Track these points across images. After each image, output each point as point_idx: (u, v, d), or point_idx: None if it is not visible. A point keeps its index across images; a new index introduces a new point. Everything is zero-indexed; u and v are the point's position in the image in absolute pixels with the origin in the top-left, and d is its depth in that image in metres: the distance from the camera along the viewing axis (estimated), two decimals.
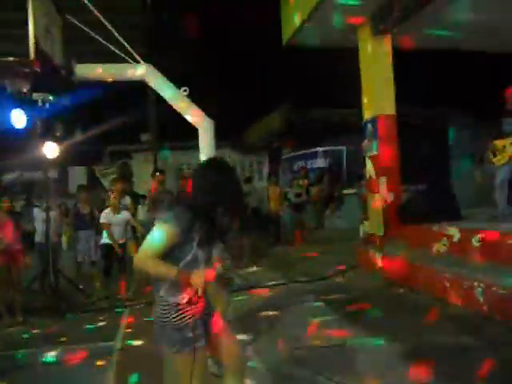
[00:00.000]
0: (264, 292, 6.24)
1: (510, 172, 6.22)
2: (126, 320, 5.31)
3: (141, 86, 9.58)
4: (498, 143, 6.11)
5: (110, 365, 3.95)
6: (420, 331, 4.21)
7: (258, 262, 8.39)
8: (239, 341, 2.46)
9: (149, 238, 2.16)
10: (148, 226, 8.31)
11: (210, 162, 2.41)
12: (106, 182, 16.34)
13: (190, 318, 2.18)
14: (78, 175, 16.45)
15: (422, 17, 6.58)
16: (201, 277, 2.12)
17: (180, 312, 2.18)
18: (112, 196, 6.60)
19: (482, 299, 4.50)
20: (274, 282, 6.70)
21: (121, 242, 6.40)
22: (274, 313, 5.21)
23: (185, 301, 2.18)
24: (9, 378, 3.82)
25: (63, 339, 4.71)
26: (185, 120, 7.28)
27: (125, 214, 6.57)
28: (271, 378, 3.47)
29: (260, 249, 9.51)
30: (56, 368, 4.01)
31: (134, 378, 3.56)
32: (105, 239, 6.39)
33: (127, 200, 7.48)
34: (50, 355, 4.25)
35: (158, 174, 8.20)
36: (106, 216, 6.36)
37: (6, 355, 4.40)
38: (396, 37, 7.26)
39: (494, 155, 6.17)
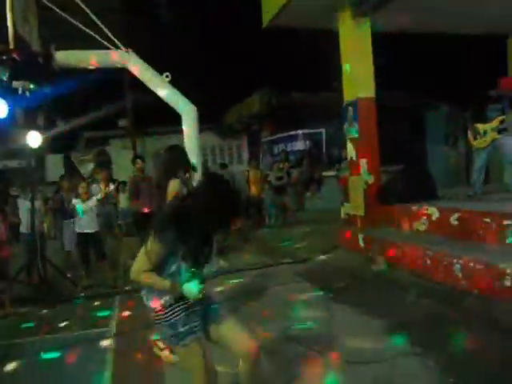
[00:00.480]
0: (251, 274, 6.39)
1: (488, 156, 6.51)
2: (117, 306, 5.39)
3: (118, 72, 9.50)
4: (480, 127, 6.34)
5: (106, 351, 4.03)
6: (402, 306, 4.44)
7: (243, 246, 8.53)
8: (247, 330, 2.52)
9: (140, 251, 2.26)
10: (129, 214, 8.39)
11: (209, 179, 2.38)
12: (83, 170, 16.15)
13: (182, 313, 2.27)
14: (54, 163, 16.17)
15: (397, 2, 6.70)
16: (192, 293, 2.19)
17: (172, 308, 2.27)
18: (80, 186, 6.55)
19: (460, 275, 4.75)
20: (260, 265, 6.85)
21: (90, 231, 6.43)
22: (262, 294, 5.37)
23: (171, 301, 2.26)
24: (7, 368, 3.87)
25: (56, 327, 4.76)
26: (163, 105, 7.27)
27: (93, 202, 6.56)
28: (266, 357, 3.62)
29: (243, 232, 9.64)
30: (52, 356, 4.06)
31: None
32: (77, 228, 6.44)
33: (111, 188, 7.48)
34: (46, 344, 4.31)
35: (138, 160, 8.21)
36: (72, 205, 6.43)
37: (1, 345, 4.44)
38: (375, 20, 7.37)
39: (475, 138, 6.42)
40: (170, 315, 2.27)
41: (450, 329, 3.79)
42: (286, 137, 14.67)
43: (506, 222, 4.97)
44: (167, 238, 2.18)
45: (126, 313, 5.10)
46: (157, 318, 2.32)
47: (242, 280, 6.13)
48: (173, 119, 8.32)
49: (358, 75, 7.38)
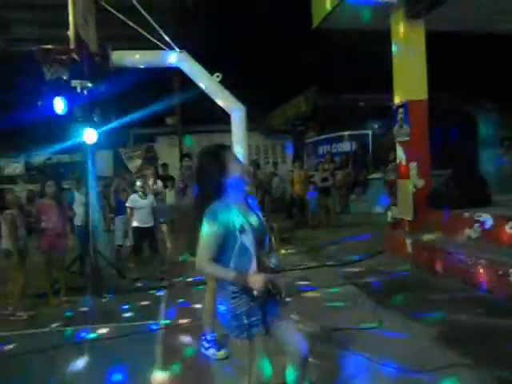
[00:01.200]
0: (296, 274, 6.37)
1: None
2: (165, 299, 5.53)
3: (168, 70, 9.70)
4: None
5: (153, 344, 4.13)
6: (452, 315, 4.31)
7: (285, 246, 8.52)
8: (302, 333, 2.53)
9: (200, 241, 2.27)
10: (175, 211, 8.59)
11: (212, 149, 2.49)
12: (131, 165, 16.59)
13: (245, 305, 2.27)
14: (104, 158, 16.71)
15: (453, 1, 6.50)
16: (258, 281, 2.20)
17: (236, 299, 2.27)
18: (138, 182, 6.77)
19: None
20: (305, 265, 6.82)
21: (147, 225, 6.62)
22: (307, 295, 5.36)
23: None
24: (58, 354, 4.03)
25: (105, 318, 4.94)
26: (210, 104, 7.36)
27: (151, 199, 6.76)
28: (312, 358, 3.62)
29: (286, 232, 9.65)
30: (101, 345, 4.22)
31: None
32: (133, 222, 6.63)
33: (159, 184, 7.68)
34: (96, 333, 4.48)
35: (185, 158, 8.42)
36: (131, 200, 6.63)
37: (53, 331, 4.65)
38: (428, 21, 7.19)
39: None
40: (235, 307, 2.28)
41: (501, 341, 3.65)
42: (331, 138, 14.53)
43: None
44: (219, 220, 2.23)
45: (174, 306, 5.21)
46: (221, 309, 2.34)
47: (286, 280, 6.12)
48: (220, 118, 8.44)
49: (410, 77, 7.25)
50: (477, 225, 6.01)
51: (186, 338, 4.18)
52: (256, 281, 2.19)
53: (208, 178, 2.34)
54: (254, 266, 2.28)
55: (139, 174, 10.55)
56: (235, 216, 2.26)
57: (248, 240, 2.27)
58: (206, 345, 3.80)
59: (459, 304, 4.69)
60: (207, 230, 2.24)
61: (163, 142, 17.69)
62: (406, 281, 5.79)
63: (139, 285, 6.37)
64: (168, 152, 16.57)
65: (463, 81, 12.02)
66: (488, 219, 5.84)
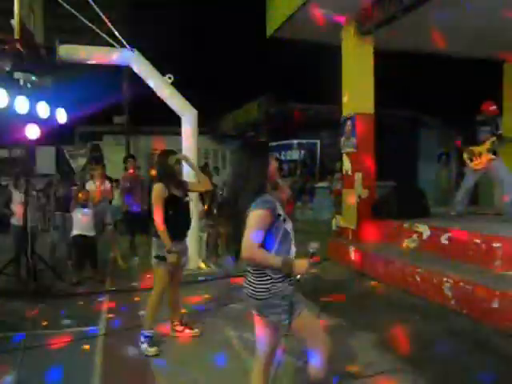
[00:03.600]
0: (242, 281, 6.37)
1: (479, 177, 6.69)
2: (107, 304, 5.35)
3: (118, 68, 9.48)
4: (476, 149, 6.54)
5: (94, 349, 4.00)
6: (390, 322, 4.48)
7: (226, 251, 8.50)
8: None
9: (248, 228, 2.29)
10: (120, 212, 8.37)
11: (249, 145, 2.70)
12: (74, 164, 16.01)
13: (290, 290, 2.36)
14: (46, 156, 15.99)
15: (403, 21, 6.81)
16: (303, 266, 2.29)
17: (283, 282, 2.36)
18: (80, 193, 6.50)
19: (450, 294, 4.82)
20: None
21: (89, 234, 6.37)
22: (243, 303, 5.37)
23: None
24: None
25: (44, 324, 4.70)
26: (161, 105, 7.27)
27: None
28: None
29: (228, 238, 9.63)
30: (39, 352, 4.02)
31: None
32: (75, 230, 6.36)
33: (107, 185, 7.45)
34: (33, 339, 4.26)
35: (129, 159, 8.33)
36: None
37: None
38: (378, 38, 7.49)
39: (471, 160, 6.60)
40: (283, 289, 2.35)
41: (436, 348, 3.85)
42: (280, 145, 14.73)
43: (495, 245, 5.06)
44: (269, 201, 2.32)
45: (115, 311, 5.06)
46: (268, 293, 2.36)
47: (233, 286, 6.13)
48: (170, 120, 8.32)
49: (358, 91, 7.49)
50: (415, 235, 6.32)
51: (127, 344, 4.07)
52: (301, 265, 2.28)
53: (258, 171, 2.40)
54: (293, 251, 2.42)
55: (84, 174, 10.23)
56: (278, 206, 2.38)
57: (289, 227, 2.42)
58: (142, 339, 3.91)
59: (397, 310, 4.89)
60: (257, 218, 2.28)
61: (110, 141, 17.23)
62: (348, 288, 5.95)
63: (79, 289, 6.12)
64: (115, 151, 16.16)
65: (407, 97, 12.62)
66: (425, 230, 6.15)
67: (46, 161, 15.52)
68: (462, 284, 4.71)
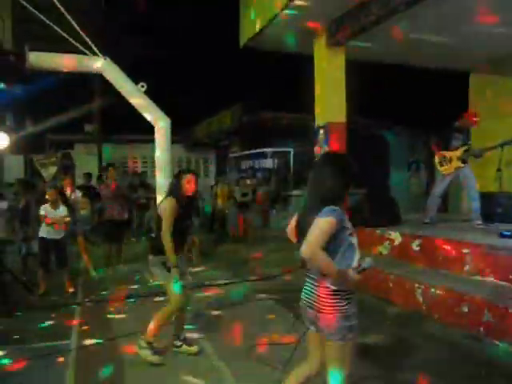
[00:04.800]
0: (216, 290, 6.36)
1: (450, 183, 6.86)
2: (77, 317, 5.23)
3: (90, 75, 9.37)
4: (447, 154, 6.71)
5: (66, 364, 3.90)
6: (363, 328, 4.53)
7: (206, 260, 8.47)
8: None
9: (314, 229, 2.29)
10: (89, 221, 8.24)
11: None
12: (45, 173, 15.64)
13: (355, 307, 2.37)
14: (14, 164, 15.60)
15: (373, 32, 6.99)
16: (354, 280, 2.31)
17: (348, 300, 2.35)
18: (48, 193, 6.36)
19: (421, 299, 4.93)
20: (226, 281, 6.83)
21: (55, 237, 6.26)
22: (228, 311, 5.36)
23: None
24: None
25: (10, 339, 4.56)
26: (133, 113, 7.21)
27: (64, 211, 6.42)
28: (231, 375, 3.62)
29: (207, 247, 9.61)
30: (8, 368, 3.89)
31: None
32: (41, 233, 6.26)
33: (77, 194, 7.32)
34: (2, 355, 4.13)
35: (110, 168, 8.23)
36: (44, 209, 6.24)
37: None
38: (349, 49, 7.64)
39: (441, 165, 6.77)
40: (348, 308, 2.34)
41: (408, 353, 3.92)
42: (254, 154, 14.78)
43: (464, 250, 5.21)
44: (339, 211, 2.31)
45: (87, 324, 4.95)
46: (332, 309, 2.35)
47: (207, 296, 6.10)
48: (143, 128, 8.26)
49: (330, 100, 7.59)
50: (387, 242, 6.44)
51: (100, 358, 3.99)
52: (355, 277, 2.31)
53: (335, 182, 2.40)
54: (355, 264, 2.37)
55: (53, 183, 10.00)
56: (346, 218, 2.39)
57: (355, 240, 2.41)
58: (144, 344, 3.86)
59: (369, 316, 4.94)
60: (325, 222, 2.28)
61: (81, 149, 16.95)
62: None
63: (50, 301, 5.96)
64: (86, 160, 15.92)
65: (379, 107, 12.89)
66: (397, 237, 6.27)
67: (14, 169, 15.16)
68: (432, 290, 4.83)
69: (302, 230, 2.43)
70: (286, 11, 6.78)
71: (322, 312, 2.38)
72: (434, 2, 5.95)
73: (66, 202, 6.66)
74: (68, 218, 6.32)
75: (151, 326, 3.89)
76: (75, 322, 5.06)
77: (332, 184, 2.39)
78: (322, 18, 7.13)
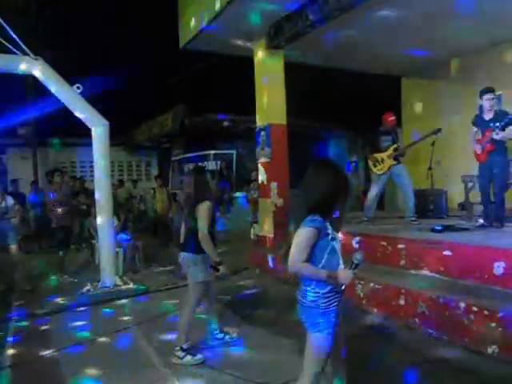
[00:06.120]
0: (161, 294, 6.26)
1: (385, 183, 7.18)
2: (12, 331, 4.95)
3: (22, 76, 8.90)
4: (378, 156, 7.01)
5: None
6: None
7: (151, 265, 8.31)
8: None
9: (294, 244, 2.34)
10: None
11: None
12: None
13: (336, 304, 2.41)
14: None
15: (310, 36, 7.17)
16: (347, 277, 2.34)
17: (328, 299, 2.40)
18: None
19: (361, 294, 5.11)
20: (171, 285, 6.72)
21: None
22: (175, 314, 5.29)
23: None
24: None
25: None
26: (69, 116, 6.95)
27: None
28: (181, 375, 3.59)
29: (150, 251, 9.42)
30: None
31: None
32: None
33: (9, 201, 6.92)
34: None
35: (56, 173, 8.09)
36: None
37: None
38: (288, 52, 7.79)
39: (375, 166, 7.06)
40: (327, 305, 2.40)
41: (352, 346, 4.04)
42: (197, 156, 14.67)
43: (400, 246, 5.46)
44: (318, 220, 2.33)
45: (23, 340, 4.69)
46: (312, 306, 2.41)
47: (153, 301, 5.99)
48: (81, 131, 7.97)
49: (270, 102, 7.72)
50: None
51: (37, 377, 3.80)
52: (345, 277, 2.34)
53: (320, 189, 2.38)
54: (341, 267, 2.44)
55: None
56: (328, 226, 2.41)
57: (337, 246, 2.47)
58: (181, 354, 3.85)
59: None
60: (305, 232, 2.31)
61: (14, 154, 16.08)
62: (269, 296, 6.07)
63: None
64: (19, 165, 15.16)
65: (318, 108, 13.22)
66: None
67: None
68: (371, 284, 5.02)
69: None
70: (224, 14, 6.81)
71: (303, 307, 2.48)
72: (368, 8, 6.20)
73: None
74: None
75: (179, 335, 3.95)
76: (9, 336, 4.79)
77: (317, 193, 2.38)
78: (261, 21, 7.21)
